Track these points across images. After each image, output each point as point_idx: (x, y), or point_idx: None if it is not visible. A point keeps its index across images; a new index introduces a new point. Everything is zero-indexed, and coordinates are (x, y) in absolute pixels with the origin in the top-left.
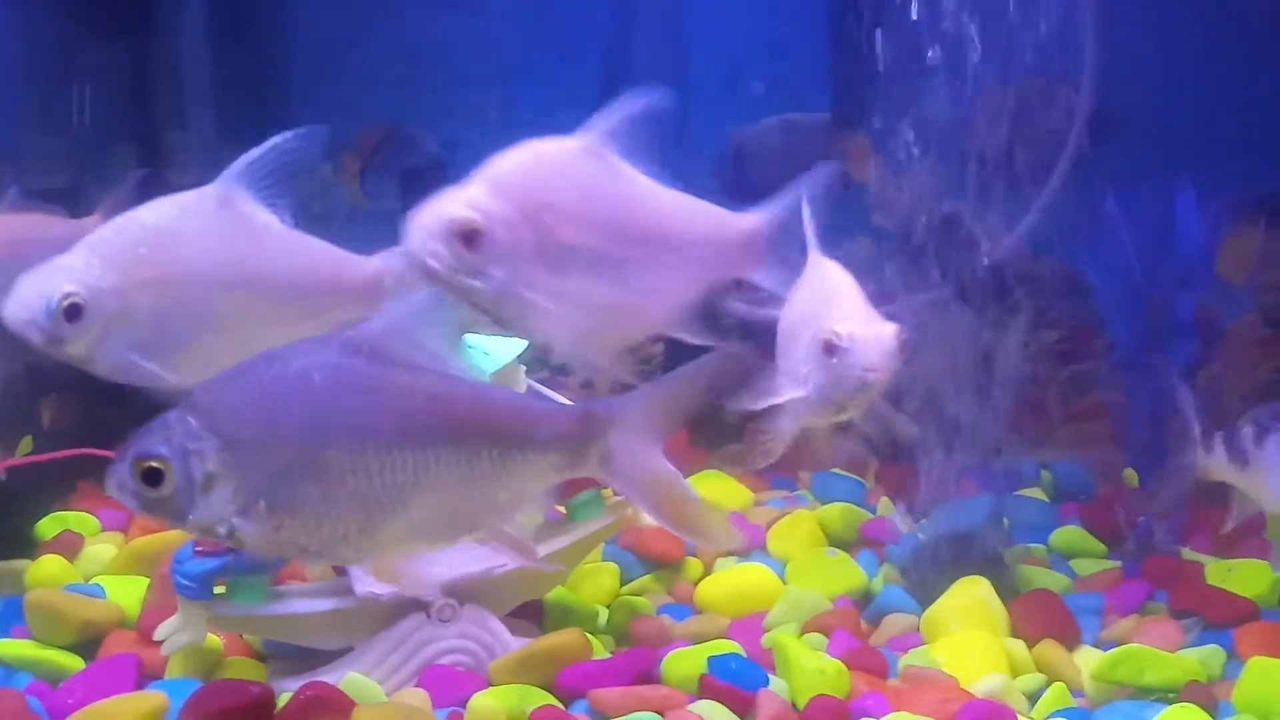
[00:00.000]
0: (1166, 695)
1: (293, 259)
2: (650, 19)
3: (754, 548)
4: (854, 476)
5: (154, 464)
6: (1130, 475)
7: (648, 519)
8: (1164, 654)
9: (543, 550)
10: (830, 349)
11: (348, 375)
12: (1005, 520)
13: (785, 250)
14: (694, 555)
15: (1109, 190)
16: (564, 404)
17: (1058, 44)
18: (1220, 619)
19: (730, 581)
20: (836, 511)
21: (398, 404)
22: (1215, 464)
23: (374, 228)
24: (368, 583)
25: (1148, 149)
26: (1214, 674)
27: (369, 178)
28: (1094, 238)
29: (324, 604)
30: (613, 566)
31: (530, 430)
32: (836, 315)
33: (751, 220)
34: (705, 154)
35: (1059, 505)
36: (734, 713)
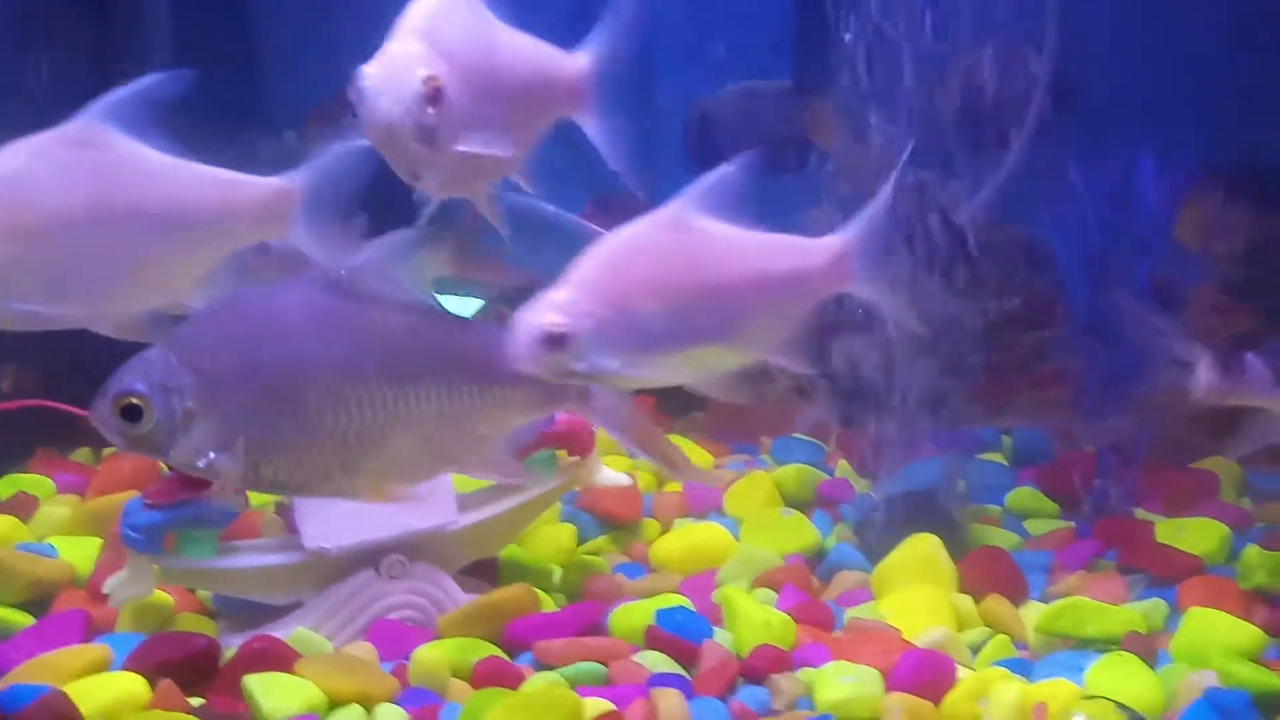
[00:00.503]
0: (1107, 646)
1: (173, 188)
2: None
3: (711, 509)
4: (814, 441)
5: (133, 400)
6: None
7: (601, 479)
8: (1106, 607)
9: (495, 509)
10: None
11: (326, 313)
12: (961, 482)
13: (873, 264)
14: (652, 516)
15: (1069, 158)
16: None
17: (1020, 11)
18: (1166, 575)
19: (684, 541)
20: (793, 473)
21: (376, 340)
22: (1240, 386)
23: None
24: (316, 538)
25: (1108, 118)
26: (1156, 626)
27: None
28: (1054, 205)
29: (272, 558)
30: (570, 527)
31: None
32: None
33: (836, 242)
34: (671, 121)
35: (1018, 469)
36: (679, 663)
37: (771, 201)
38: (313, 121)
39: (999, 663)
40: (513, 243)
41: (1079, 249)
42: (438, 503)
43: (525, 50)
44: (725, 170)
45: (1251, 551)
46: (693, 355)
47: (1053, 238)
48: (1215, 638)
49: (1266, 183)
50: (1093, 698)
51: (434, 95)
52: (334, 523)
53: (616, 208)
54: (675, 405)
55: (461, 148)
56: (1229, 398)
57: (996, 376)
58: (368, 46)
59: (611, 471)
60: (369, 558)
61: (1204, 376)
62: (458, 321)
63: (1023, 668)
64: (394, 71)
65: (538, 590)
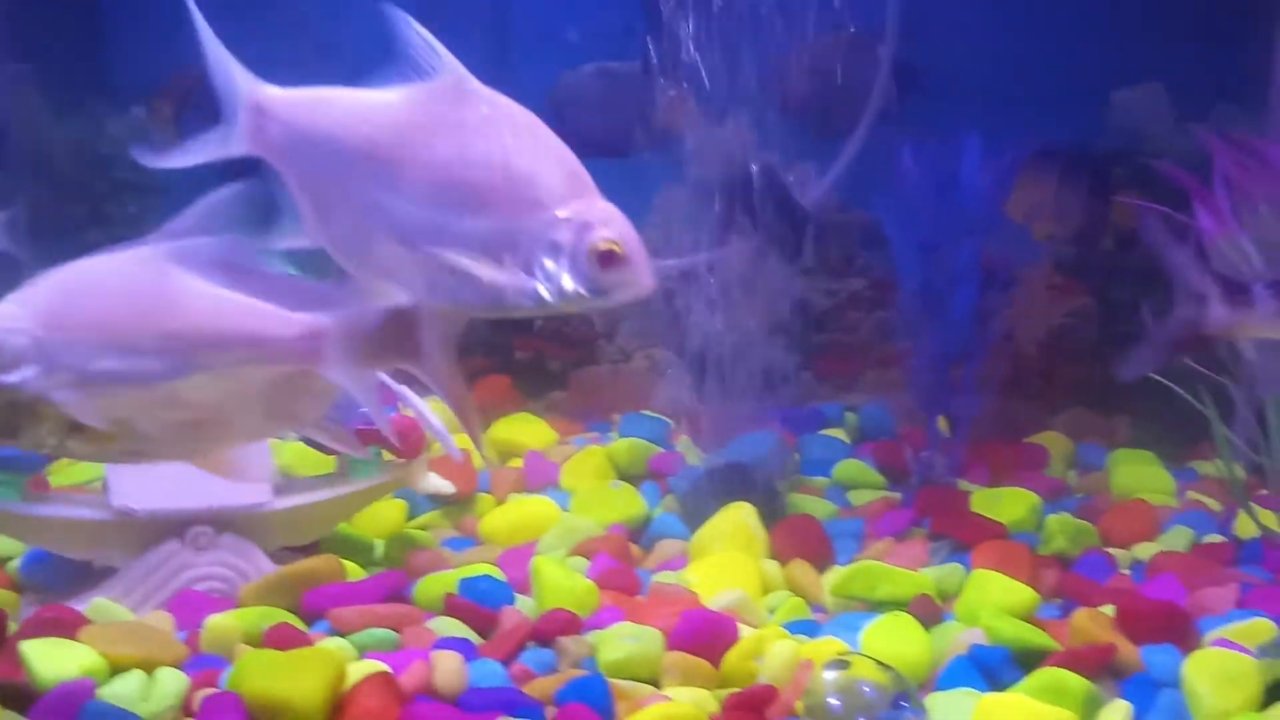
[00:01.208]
0: (898, 608)
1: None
2: None
3: (549, 484)
4: (661, 417)
5: None
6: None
7: (426, 485)
8: (898, 571)
9: (311, 497)
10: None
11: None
12: (794, 455)
13: (352, 352)
14: (488, 492)
15: (903, 141)
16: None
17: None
18: (970, 541)
19: (512, 514)
20: (625, 447)
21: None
22: (1249, 318)
23: (189, 173)
24: (124, 497)
25: (948, 103)
26: (950, 589)
27: (184, 122)
28: (889, 188)
29: (78, 512)
30: (400, 503)
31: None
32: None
33: (313, 321)
34: (526, 103)
35: (859, 444)
36: (474, 629)
37: (625, 180)
38: (161, 98)
39: (789, 624)
40: None
41: (911, 230)
42: (253, 482)
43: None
44: (221, 239)
45: (1053, 519)
46: (137, 397)
47: (887, 219)
48: (990, 598)
49: (1098, 165)
50: (849, 655)
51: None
52: (147, 487)
53: None
54: (535, 385)
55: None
56: (1238, 329)
57: (841, 355)
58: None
59: (437, 478)
60: (176, 526)
61: (1215, 310)
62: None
63: (810, 628)
64: None
65: (353, 564)
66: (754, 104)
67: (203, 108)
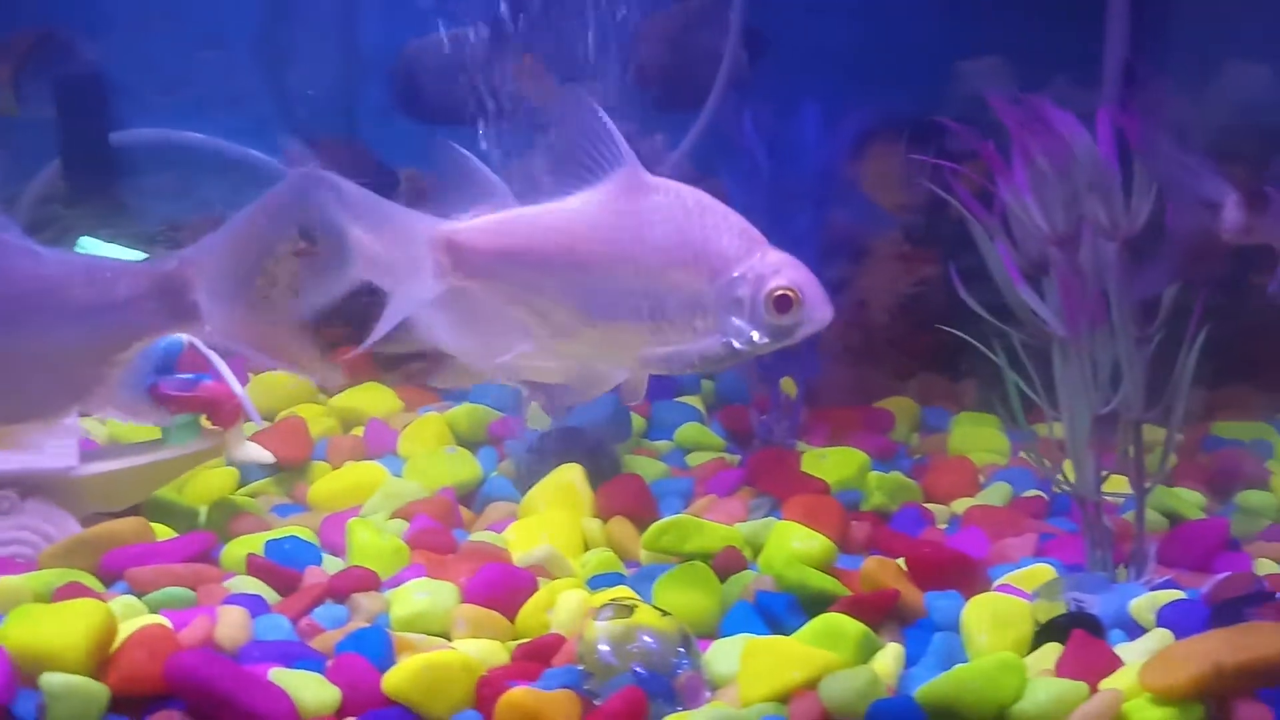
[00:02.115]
0: (706, 561)
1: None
2: None
3: (387, 451)
4: (514, 386)
5: None
6: (786, 383)
7: (244, 454)
8: (708, 524)
9: (121, 464)
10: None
11: None
12: (632, 418)
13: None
14: (324, 460)
15: (754, 110)
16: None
17: None
18: (789, 498)
19: (342, 480)
20: (465, 413)
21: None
22: (1265, 223)
23: (30, 135)
24: None
25: (797, 71)
26: (762, 543)
27: (22, 84)
28: (733, 155)
29: None
30: (231, 471)
31: (111, 291)
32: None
33: (170, 264)
34: (377, 70)
35: (716, 410)
36: (276, 589)
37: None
38: None
39: (596, 577)
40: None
41: (754, 197)
42: (60, 447)
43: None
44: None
45: (873, 476)
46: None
47: (731, 187)
48: (787, 549)
49: (943, 136)
50: (631, 604)
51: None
52: None
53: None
54: (391, 356)
55: None
56: (1255, 235)
57: None
58: None
59: (257, 448)
60: None
61: (1231, 215)
62: (66, 257)
63: (613, 581)
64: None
65: (167, 528)
66: (605, 73)
67: (41, 68)
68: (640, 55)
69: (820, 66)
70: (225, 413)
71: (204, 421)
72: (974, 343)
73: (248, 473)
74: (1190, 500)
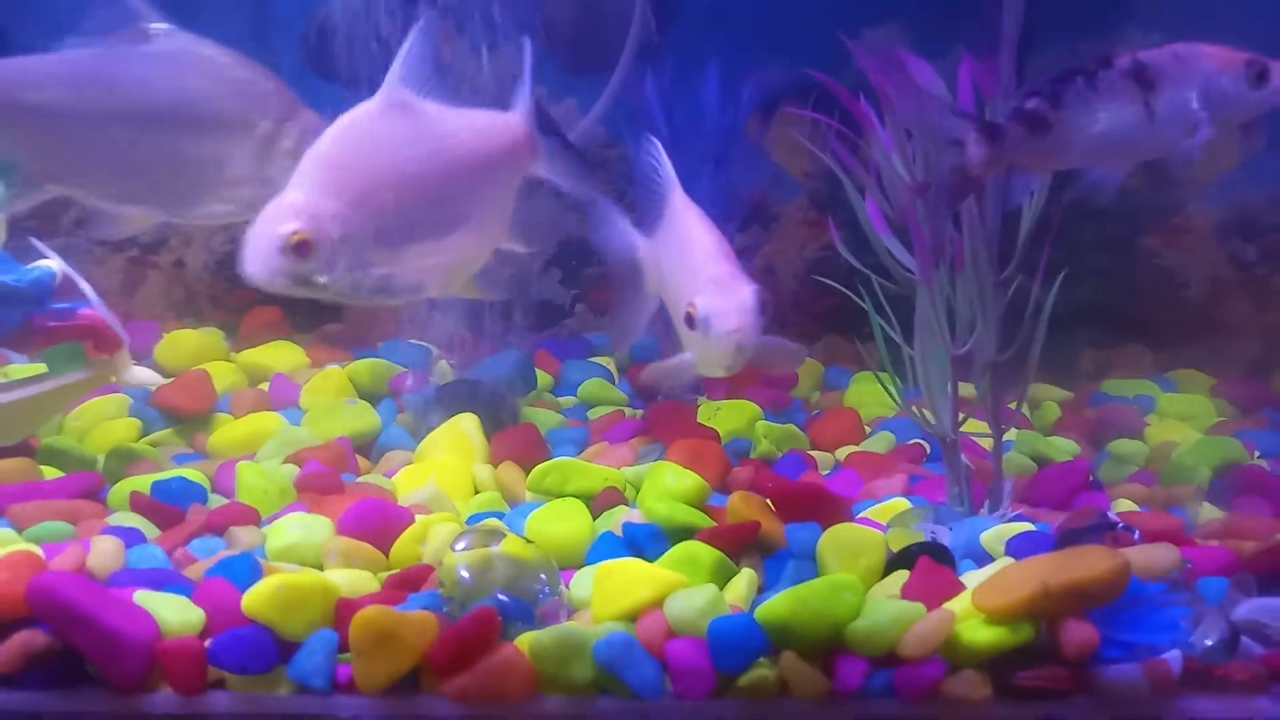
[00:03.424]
0: (588, 500)
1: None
2: None
3: (290, 404)
4: (423, 345)
5: None
6: None
7: (132, 376)
8: (590, 465)
9: (11, 397)
10: (691, 321)
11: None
12: (534, 372)
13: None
14: (228, 412)
15: (658, 75)
16: None
17: None
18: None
19: (240, 429)
20: (366, 367)
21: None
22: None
23: None
24: None
25: (705, 36)
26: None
27: None
28: (637, 120)
29: None
30: (132, 420)
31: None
32: (696, 283)
33: (517, 116)
34: (290, 30)
35: (627, 369)
36: (158, 525)
37: None
38: None
39: (477, 515)
40: None
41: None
42: None
43: (462, 133)
44: (416, 41)
45: (760, 425)
46: (435, 250)
47: (634, 152)
48: (660, 485)
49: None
50: (494, 533)
51: (299, 247)
52: None
53: None
54: (312, 317)
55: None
56: (1000, 162)
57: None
58: None
59: (144, 370)
60: None
61: (974, 149)
62: None
63: (492, 517)
64: (262, 228)
65: (57, 470)
66: (516, 38)
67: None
68: (550, 18)
69: (728, 33)
70: (107, 339)
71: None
72: (845, 291)
73: (150, 423)
74: (1063, 447)
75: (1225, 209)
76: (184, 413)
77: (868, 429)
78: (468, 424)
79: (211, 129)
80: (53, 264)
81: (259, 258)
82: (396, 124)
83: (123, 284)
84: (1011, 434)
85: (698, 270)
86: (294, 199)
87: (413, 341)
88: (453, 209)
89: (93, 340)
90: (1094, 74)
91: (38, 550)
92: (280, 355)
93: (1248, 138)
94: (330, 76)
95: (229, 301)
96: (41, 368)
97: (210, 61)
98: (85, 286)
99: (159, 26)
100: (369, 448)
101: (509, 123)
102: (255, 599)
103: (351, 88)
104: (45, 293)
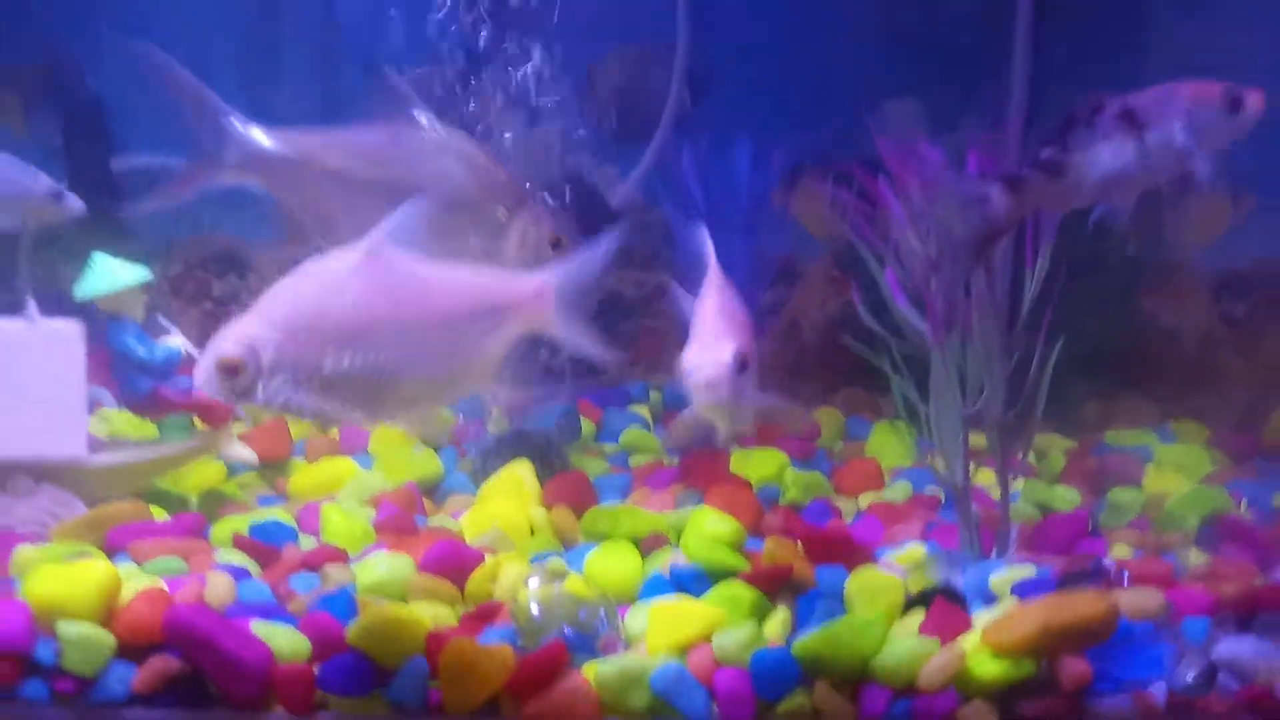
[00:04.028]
0: (635, 542)
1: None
2: None
3: (359, 449)
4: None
5: None
6: None
7: (231, 453)
8: (638, 511)
9: (124, 458)
10: (681, 372)
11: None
12: (581, 422)
13: (575, 301)
14: (303, 456)
15: (694, 146)
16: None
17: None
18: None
19: (318, 473)
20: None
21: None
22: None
23: (36, 158)
24: None
25: (736, 111)
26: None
27: (31, 109)
28: (674, 187)
29: None
30: (220, 465)
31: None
32: (690, 341)
33: (535, 280)
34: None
35: (661, 419)
36: (257, 562)
37: None
38: (8, 92)
39: (540, 555)
40: None
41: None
42: (70, 437)
43: (442, 289)
44: (413, 205)
45: (789, 473)
46: (398, 389)
47: (673, 217)
48: (702, 530)
49: (864, 171)
50: (561, 574)
51: (229, 367)
52: None
53: None
54: None
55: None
56: (1024, 209)
57: (650, 340)
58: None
59: (242, 446)
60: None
61: (998, 201)
62: None
63: (551, 555)
64: (210, 342)
65: (163, 510)
66: (565, 110)
67: (48, 95)
68: (596, 92)
69: (756, 106)
70: (215, 416)
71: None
72: (864, 351)
73: (234, 467)
74: (1065, 496)
75: (1216, 271)
76: (265, 458)
77: (887, 477)
78: (523, 470)
79: (460, 205)
80: (179, 342)
81: (200, 369)
82: (365, 271)
83: (198, 334)
84: (1019, 483)
85: (694, 330)
86: (243, 323)
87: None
88: (413, 356)
89: (202, 415)
90: (1090, 119)
91: (162, 583)
92: None
93: (1236, 204)
94: None
95: None
96: (129, 418)
97: (463, 150)
98: (196, 354)
99: (425, 117)
100: (434, 491)
101: (520, 285)
102: (358, 631)
103: None
104: (172, 367)
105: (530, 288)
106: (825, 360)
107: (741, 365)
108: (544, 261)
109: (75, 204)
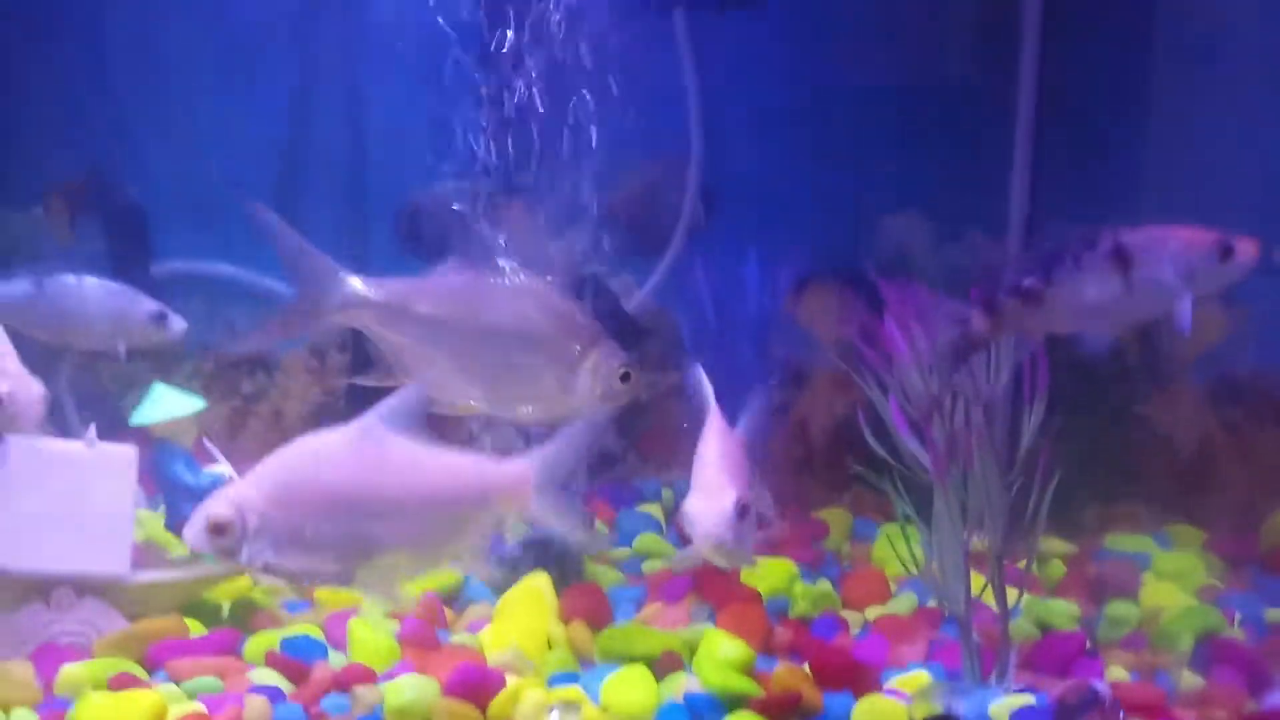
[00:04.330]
0: (650, 662)
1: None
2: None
3: None
4: None
5: None
6: None
7: (265, 578)
8: (652, 630)
9: (163, 576)
10: (684, 520)
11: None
12: (598, 528)
13: (555, 487)
14: None
15: (704, 255)
16: None
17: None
18: (727, 604)
19: None
20: None
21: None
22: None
23: (84, 265)
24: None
25: (743, 223)
26: (698, 645)
27: (77, 220)
28: (685, 295)
29: None
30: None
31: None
32: (692, 488)
33: (518, 467)
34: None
35: (673, 516)
36: (289, 679)
37: None
38: (55, 199)
39: (554, 676)
40: None
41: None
42: (115, 555)
43: (426, 472)
44: (410, 390)
45: (799, 586)
46: (370, 559)
47: (685, 323)
48: (714, 655)
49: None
50: (579, 700)
51: (217, 527)
52: (17, 547)
53: None
54: None
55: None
56: (1000, 330)
57: (662, 438)
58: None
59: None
60: (41, 590)
61: (978, 322)
62: None
63: (569, 679)
64: (203, 503)
65: (198, 622)
66: (584, 219)
67: (92, 207)
68: (613, 205)
69: (764, 218)
70: None
71: None
72: (869, 475)
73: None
74: (1062, 611)
75: (1211, 380)
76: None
77: (893, 586)
78: (541, 582)
79: (540, 348)
80: (225, 469)
81: (190, 526)
82: (355, 449)
83: (227, 429)
84: (1019, 595)
85: (695, 477)
86: (236, 486)
87: None
88: (392, 530)
89: None
90: (1079, 254)
91: (202, 709)
92: None
93: (1230, 314)
94: (423, 255)
95: None
96: (172, 539)
97: (542, 295)
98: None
99: (507, 263)
100: (454, 598)
101: (502, 471)
102: None
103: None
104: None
105: (512, 474)
106: (833, 461)
107: (742, 512)
108: (614, 397)
109: (178, 325)
